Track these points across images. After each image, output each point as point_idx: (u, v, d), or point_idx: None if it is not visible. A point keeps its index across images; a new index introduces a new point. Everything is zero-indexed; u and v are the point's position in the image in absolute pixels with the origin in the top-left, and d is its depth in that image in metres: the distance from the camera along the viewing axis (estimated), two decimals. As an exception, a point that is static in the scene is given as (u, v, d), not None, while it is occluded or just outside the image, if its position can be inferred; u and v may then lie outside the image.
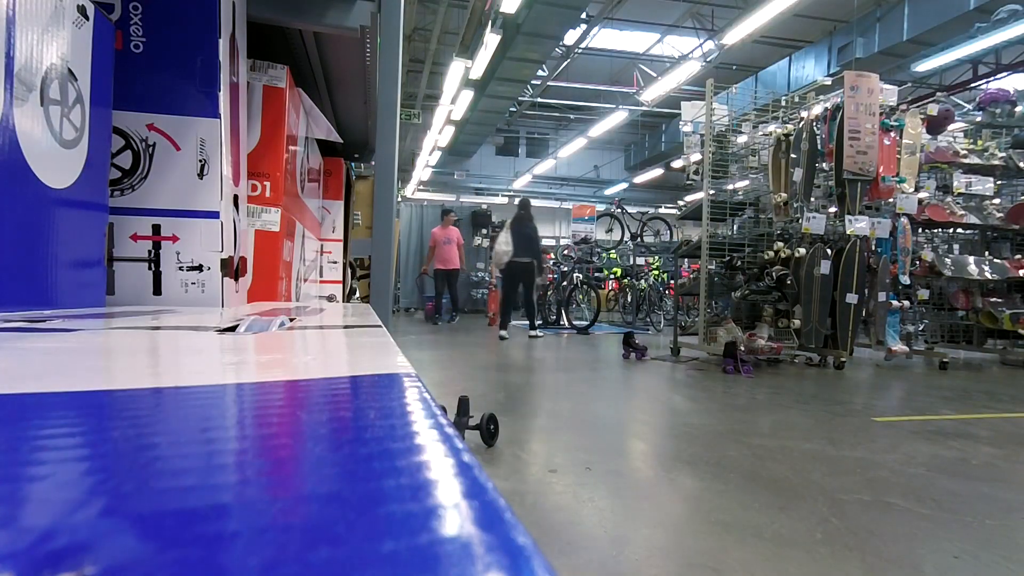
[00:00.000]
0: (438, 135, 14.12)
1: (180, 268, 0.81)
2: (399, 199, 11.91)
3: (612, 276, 10.35)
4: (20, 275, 0.58)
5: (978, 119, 5.99)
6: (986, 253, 5.69)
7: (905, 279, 5.06)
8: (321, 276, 1.63)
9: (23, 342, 0.40)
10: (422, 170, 17.17)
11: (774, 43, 11.38)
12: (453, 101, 11.71)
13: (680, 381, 4.07)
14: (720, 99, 5.54)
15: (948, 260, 5.28)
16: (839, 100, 4.83)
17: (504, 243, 6.56)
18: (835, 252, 4.82)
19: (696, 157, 5.76)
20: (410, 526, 0.12)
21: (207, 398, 0.25)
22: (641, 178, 17.55)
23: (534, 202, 7.35)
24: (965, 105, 6.49)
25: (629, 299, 9.29)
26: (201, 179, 0.81)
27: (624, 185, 18.64)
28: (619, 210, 9.43)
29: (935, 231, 5.77)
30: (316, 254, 1.56)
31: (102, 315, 0.62)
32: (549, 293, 8.93)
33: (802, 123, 5.01)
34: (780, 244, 4.91)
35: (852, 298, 4.77)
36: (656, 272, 9.02)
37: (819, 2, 9.05)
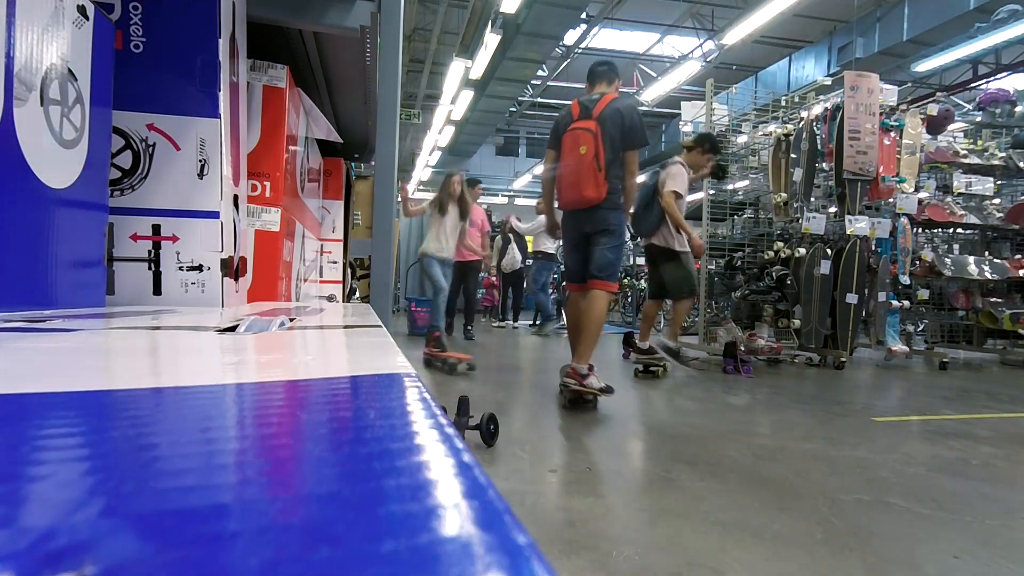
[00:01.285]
0: (438, 135, 14.11)
1: (180, 268, 0.81)
2: (399, 199, 11.88)
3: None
4: (20, 275, 0.58)
5: (978, 119, 5.98)
6: (986, 253, 5.69)
7: (905, 279, 5.06)
8: (321, 276, 1.63)
9: (23, 342, 0.40)
10: (422, 170, 17.16)
11: (774, 43, 11.37)
12: (453, 101, 11.70)
13: (680, 381, 4.07)
14: (720, 99, 5.55)
15: (948, 260, 5.28)
16: (839, 100, 4.83)
17: (515, 252, 7.81)
18: (835, 252, 4.82)
19: (696, 157, 5.75)
20: (410, 526, 0.12)
21: (207, 398, 0.25)
22: (641, 178, 17.54)
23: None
24: (965, 105, 6.50)
25: (629, 299, 9.29)
26: (201, 179, 0.81)
27: (624, 185, 18.62)
28: (619, 210, 9.42)
29: (935, 231, 5.77)
30: (316, 254, 1.56)
31: (102, 315, 0.62)
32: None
33: (802, 123, 5.01)
34: (780, 244, 4.91)
35: (852, 298, 4.77)
36: None
37: (819, 2, 9.04)
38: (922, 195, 5.19)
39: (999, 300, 5.49)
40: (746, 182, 5.72)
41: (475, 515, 0.12)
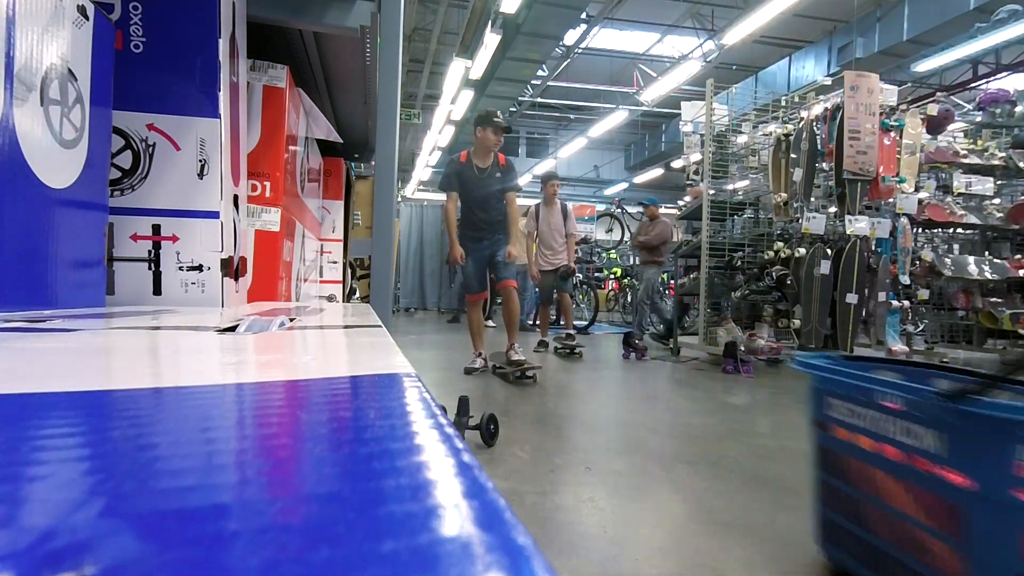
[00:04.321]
0: (438, 135, 14.11)
1: (180, 268, 0.81)
2: (399, 199, 11.88)
3: (612, 276, 10.37)
4: (20, 275, 0.58)
5: (978, 119, 5.98)
6: (986, 253, 5.68)
7: (905, 279, 5.06)
8: (321, 276, 1.63)
9: (23, 342, 0.40)
10: (422, 170, 17.16)
11: (774, 43, 11.38)
12: (453, 101, 11.69)
13: (680, 381, 4.07)
14: (720, 99, 5.54)
15: (948, 260, 5.28)
16: (839, 100, 4.82)
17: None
18: (835, 252, 4.81)
19: (696, 157, 5.76)
20: (410, 526, 0.12)
21: (207, 398, 0.25)
22: (641, 178, 17.54)
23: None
24: (965, 105, 6.48)
25: (629, 299, 9.29)
26: (201, 179, 0.81)
27: (624, 185, 18.63)
28: (619, 210, 9.44)
29: (935, 231, 5.77)
30: (316, 254, 1.56)
31: (102, 315, 0.62)
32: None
33: (802, 123, 5.01)
34: (780, 244, 4.92)
35: (852, 298, 4.77)
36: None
37: (819, 2, 9.04)
38: (922, 195, 5.19)
39: (999, 300, 5.48)
40: (746, 182, 5.72)
41: (475, 515, 0.12)
